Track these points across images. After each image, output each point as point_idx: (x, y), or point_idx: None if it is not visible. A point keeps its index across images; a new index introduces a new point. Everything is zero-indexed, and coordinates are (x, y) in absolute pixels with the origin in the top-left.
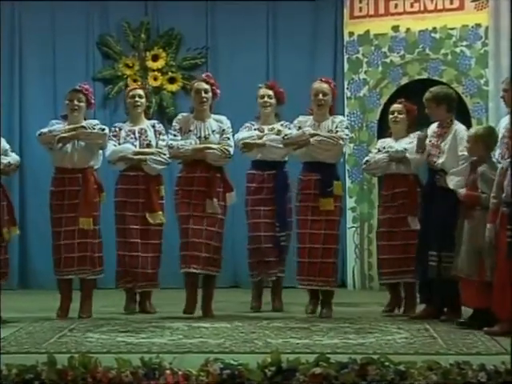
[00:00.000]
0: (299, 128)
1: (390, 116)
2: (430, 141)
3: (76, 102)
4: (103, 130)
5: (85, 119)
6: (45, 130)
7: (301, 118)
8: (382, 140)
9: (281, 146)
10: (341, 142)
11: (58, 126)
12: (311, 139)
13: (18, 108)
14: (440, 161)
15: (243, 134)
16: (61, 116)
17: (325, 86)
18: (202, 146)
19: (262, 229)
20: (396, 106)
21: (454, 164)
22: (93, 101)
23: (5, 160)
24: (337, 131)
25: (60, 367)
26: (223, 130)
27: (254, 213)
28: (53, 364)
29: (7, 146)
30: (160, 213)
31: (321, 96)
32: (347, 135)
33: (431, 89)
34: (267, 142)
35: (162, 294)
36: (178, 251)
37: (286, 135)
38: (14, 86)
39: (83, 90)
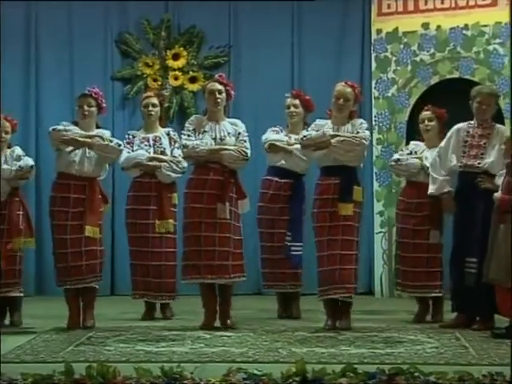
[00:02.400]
0: (317, 131)
1: (421, 125)
2: (465, 141)
3: (86, 108)
4: (120, 145)
5: (97, 125)
6: (60, 127)
7: (318, 122)
8: (416, 143)
9: (305, 159)
10: (364, 141)
11: (74, 128)
12: (332, 140)
13: (34, 108)
14: (488, 161)
15: (272, 135)
16: (72, 122)
17: (348, 90)
18: (218, 147)
19: (275, 239)
20: (425, 114)
21: (501, 165)
22: (104, 105)
23: (14, 166)
24: (358, 132)
25: (77, 377)
26: (239, 133)
27: (267, 222)
28: (70, 373)
29: (21, 152)
30: (170, 221)
31: (341, 101)
32: (369, 136)
33: (483, 86)
34: (295, 151)
35: (182, 302)
36: (183, 260)
37: (304, 136)
38: (30, 85)
39: (93, 95)
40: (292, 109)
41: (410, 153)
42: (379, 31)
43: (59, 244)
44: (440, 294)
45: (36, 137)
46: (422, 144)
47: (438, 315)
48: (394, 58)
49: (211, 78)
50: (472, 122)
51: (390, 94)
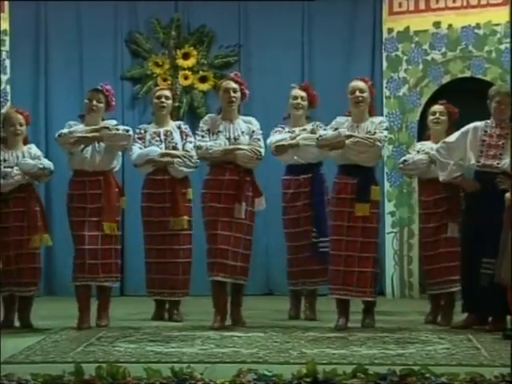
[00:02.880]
0: (335, 129)
1: (431, 117)
2: (482, 140)
3: (95, 103)
4: (128, 131)
5: (103, 120)
6: (64, 130)
7: (338, 119)
8: (422, 143)
9: (314, 143)
10: (378, 143)
11: (79, 127)
12: (347, 141)
13: (43, 108)
14: (507, 161)
15: (275, 137)
16: (78, 116)
17: (361, 83)
18: (232, 147)
19: (301, 237)
20: (438, 107)
21: None
22: (113, 103)
23: (40, 164)
24: (375, 132)
25: (87, 377)
26: (253, 132)
27: (292, 221)
28: (80, 374)
29: (39, 152)
30: (185, 217)
31: (358, 93)
32: (386, 137)
33: (501, 84)
34: (301, 141)
35: (192, 302)
36: (206, 257)
37: (320, 136)
38: (39, 85)
39: (104, 91)
40: (299, 100)
41: (418, 152)
42: (390, 30)
43: (78, 240)
44: (459, 288)
45: (46, 136)
46: (428, 143)
47: (447, 315)
48: (405, 57)
49: (222, 77)
50: (489, 122)
51: (401, 94)
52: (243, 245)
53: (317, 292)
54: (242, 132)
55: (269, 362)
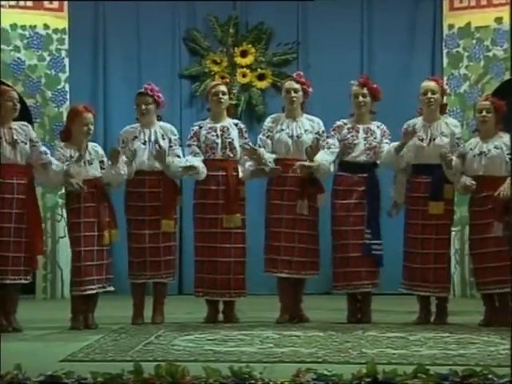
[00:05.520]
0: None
1: (478, 115)
2: None
3: (144, 106)
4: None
5: (158, 118)
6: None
7: (411, 122)
8: (469, 142)
9: (331, 169)
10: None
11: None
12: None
13: (102, 106)
14: None
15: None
16: (136, 119)
17: (432, 84)
18: (309, 164)
19: (350, 236)
20: (483, 104)
21: None
22: (161, 99)
23: (122, 170)
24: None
25: (146, 376)
26: (322, 132)
27: (341, 219)
28: (139, 373)
29: (102, 152)
30: (238, 215)
31: (430, 94)
32: (459, 138)
33: None
34: (322, 162)
35: (249, 301)
36: (263, 253)
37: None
38: (98, 83)
39: (148, 92)
40: (361, 98)
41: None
42: (451, 26)
43: (138, 239)
44: (508, 290)
45: (104, 135)
46: (474, 140)
47: (502, 317)
48: (466, 54)
49: (280, 75)
50: None
51: (462, 91)
52: (309, 240)
53: (371, 296)
54: (305, 130)
55: (328, 361)
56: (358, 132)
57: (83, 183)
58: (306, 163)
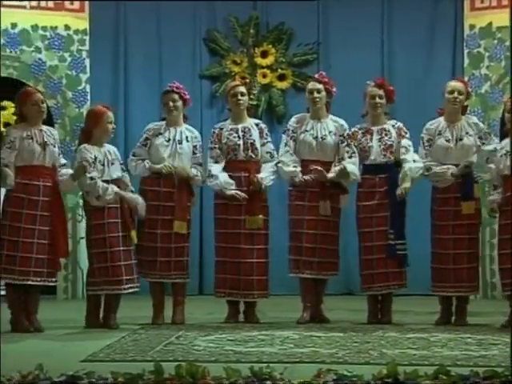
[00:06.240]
0: (428, 140)
1: (507, 115)
2: None
3: (171, 104)
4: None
5: (184, 117)
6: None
7: (428, 126)
8: (500, 144)
9: (356, 177)
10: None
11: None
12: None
13: (122, 106)
14: None
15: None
16: (161, 118)
17: (460, 84)
18: (331, 175)
19: (374, 238)
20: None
21: None
22: (187, 97)
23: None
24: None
25: (167, 376)
26: (342, 136)
27: (365, 221)
28: (159, 373)
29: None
30: (260, 216)
31: (456, 94)
32: (488, 133)
33: None
34: (349, 167)
35: (269, 301)
36: (287, 254)
37: (428, 169)
38: (119, 83)
39: (175, 90)
40: (377, 99)
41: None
42: (472, 26)
43: (150, 238)
44: None
45: (125, 135)
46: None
47: None
48: (487, 54)
49: (301, 75)
50: None
51: (483, 91)
52: (329, 241)
53: (391, 296)
54: (330, 132)
55: (348, 362)
56: (371, 135)
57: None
58: (332, 175)
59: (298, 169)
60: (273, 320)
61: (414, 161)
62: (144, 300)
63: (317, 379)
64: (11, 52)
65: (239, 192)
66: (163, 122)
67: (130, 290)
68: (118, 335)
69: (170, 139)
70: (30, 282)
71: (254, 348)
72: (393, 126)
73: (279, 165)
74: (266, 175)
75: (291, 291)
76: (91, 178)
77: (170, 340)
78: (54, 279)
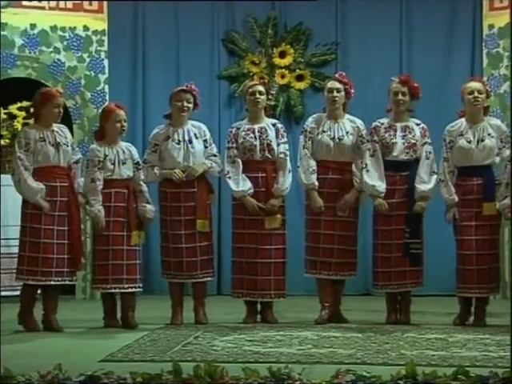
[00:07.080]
0: (450, 142)
1: None
2: None
3: (186, 104)
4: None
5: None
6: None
7: (450, 128)
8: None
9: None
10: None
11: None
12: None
13: (140, 106)
14: None
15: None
16: (164, 116)
17: (479, 84)
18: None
19: (392, 236)
20: None
21: None
22: (198, 101)
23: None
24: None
25: (185, 376)
26: (360, 136)
27: (383, 219)
28: (178, 373)
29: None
30: (278, 216)
31: (476, 93)
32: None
33: None
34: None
35: (287, 302)
36: (304, 254)
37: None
38: (136, 83)
39: (192, 91)
40: (400, 96)
41: None
42: (491, 26)
43: (175, 239)
44: None
45: (143, 135)
46: None
47: None
48: (506, 54)
49: (319, 75)
50: None
51: (501, 91)
52: (347, 241)
53: (410, 295)
54: (347, 132)
55: (367, 363)
56: (395, 131)
57: (115, 183)
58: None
59: (315, 181)
60: (291, 320)
61: (431, 173)
62: (161, 300)
63: (335, 380)
64: (30, 53)
65: (259, 204)
66: (166, 126)
67: (130, 290)
68: (136, 335)
69: (180, 140)
70: (52, 283)
71: (273, 348)
72: (417, 124)
73: (298, 168)
74: (280, 186)
75: (309, 291)
76: (92, 180)
77: (189, 340)
78: (74, 278)
